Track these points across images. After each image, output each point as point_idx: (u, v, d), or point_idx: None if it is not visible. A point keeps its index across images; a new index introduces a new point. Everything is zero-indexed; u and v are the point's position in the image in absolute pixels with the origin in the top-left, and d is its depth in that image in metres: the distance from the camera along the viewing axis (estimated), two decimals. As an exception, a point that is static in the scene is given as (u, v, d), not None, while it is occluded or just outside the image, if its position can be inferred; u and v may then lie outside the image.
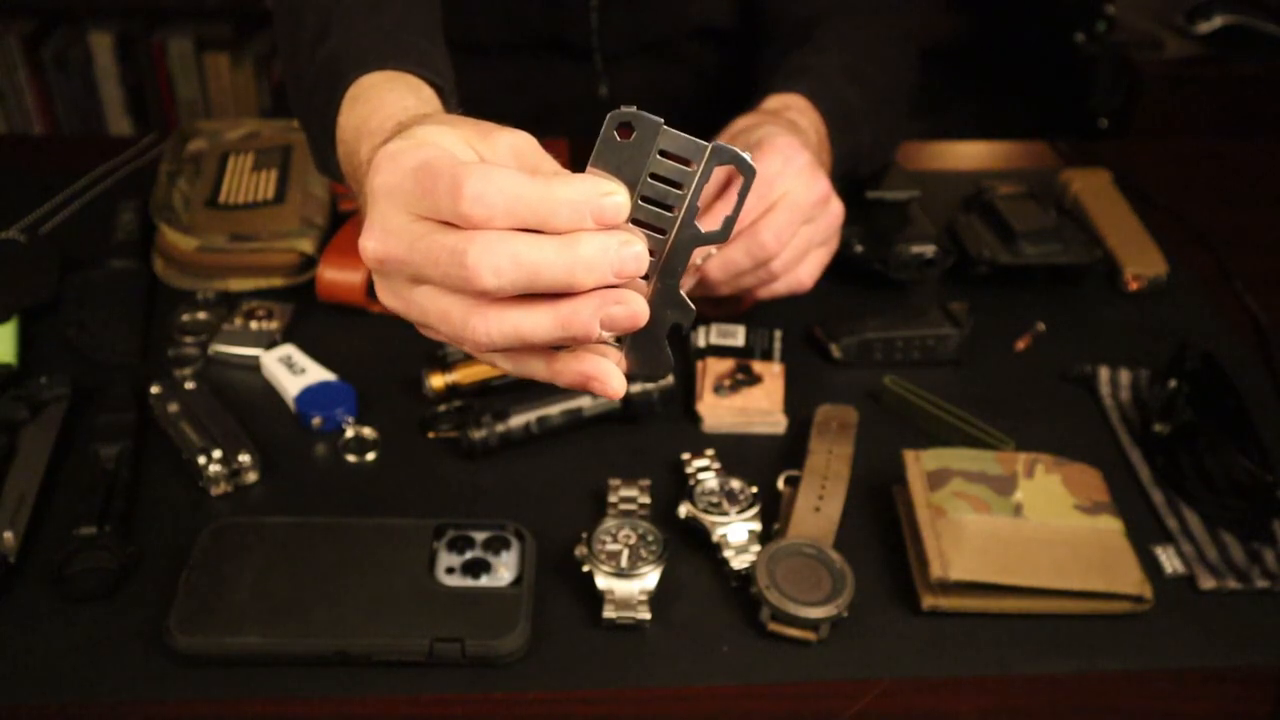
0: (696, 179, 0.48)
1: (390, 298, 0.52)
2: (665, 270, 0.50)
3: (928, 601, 0.67)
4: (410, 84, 0.67)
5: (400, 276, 0.51)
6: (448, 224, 0.49)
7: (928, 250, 0.91)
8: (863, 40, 0.95)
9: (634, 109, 0.48)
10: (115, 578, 0.66)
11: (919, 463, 0.72)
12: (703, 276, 0.81)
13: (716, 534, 0.69)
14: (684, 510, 0.71)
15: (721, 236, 0.49)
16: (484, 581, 0.66)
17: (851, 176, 0.94)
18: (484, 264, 0.47)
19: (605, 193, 0.47)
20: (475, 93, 0.85)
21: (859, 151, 0.91)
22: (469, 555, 0.67)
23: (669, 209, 0.48)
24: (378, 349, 0.87)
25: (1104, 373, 0.85)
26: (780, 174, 0.77)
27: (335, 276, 0.88)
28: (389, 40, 0.70)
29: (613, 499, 0.72)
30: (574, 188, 0.47)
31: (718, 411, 0.80)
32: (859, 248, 0.93)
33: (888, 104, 0.94)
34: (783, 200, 0.77)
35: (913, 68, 1.02)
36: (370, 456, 0.77)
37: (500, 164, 0.50)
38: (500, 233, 0.47)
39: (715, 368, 0.83)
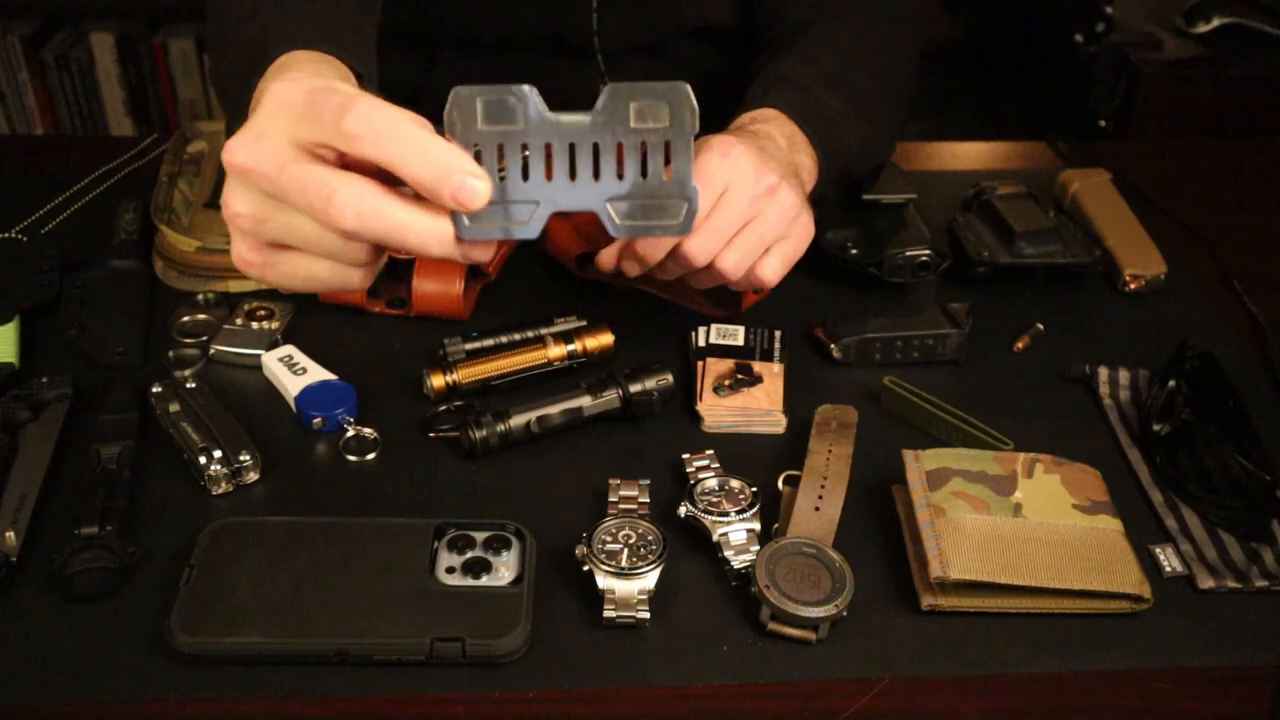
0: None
1: (239, 202, 0.54)
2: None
3: (927, 601, 0.67)
4: (339, 70, 0.67)
5: (257, 189, 0.53)
6: (318, 157, 0.52)
7: (922, 253, 0.91)
8: (848, 45, 0.95)
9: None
10: (116, 577, 0.66)
11: (919, 462, 0.72)
12: (659, 272, 0.79)
13: (716, 534, 0.70)
14: (684, 510, 0.71)
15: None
16: (484, 581, 0.66)
17: (844, 178, 0.94)
18: (349, 208, 0.51)
19: (472, 173, 0.51)
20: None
21: (846, 154, 0.90)
22: (469, 555, 0.67)
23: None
24: (378, 349, 0.87)
25: (1103, 373, 0.86)
26: (718, 169, 0.74)
27: (335, 277, 0.88)
28: (318, 23, 0.71)
29: (613, 499, 0.72)
30: (449, 153, 0.51)
31: (718, 411, 0.80)
32: (854, 251, 0.93)
33: (876, 106, 0.94)
34: (720, 201, 0.74)
35: (908, 70, 1.02)
36: (370, 456, 0.77)
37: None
38: (370, 183, 0.52)
39: (715, 368, 0.83)
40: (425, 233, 0.52)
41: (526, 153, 0.53)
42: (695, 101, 0.53)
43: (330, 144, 0.52)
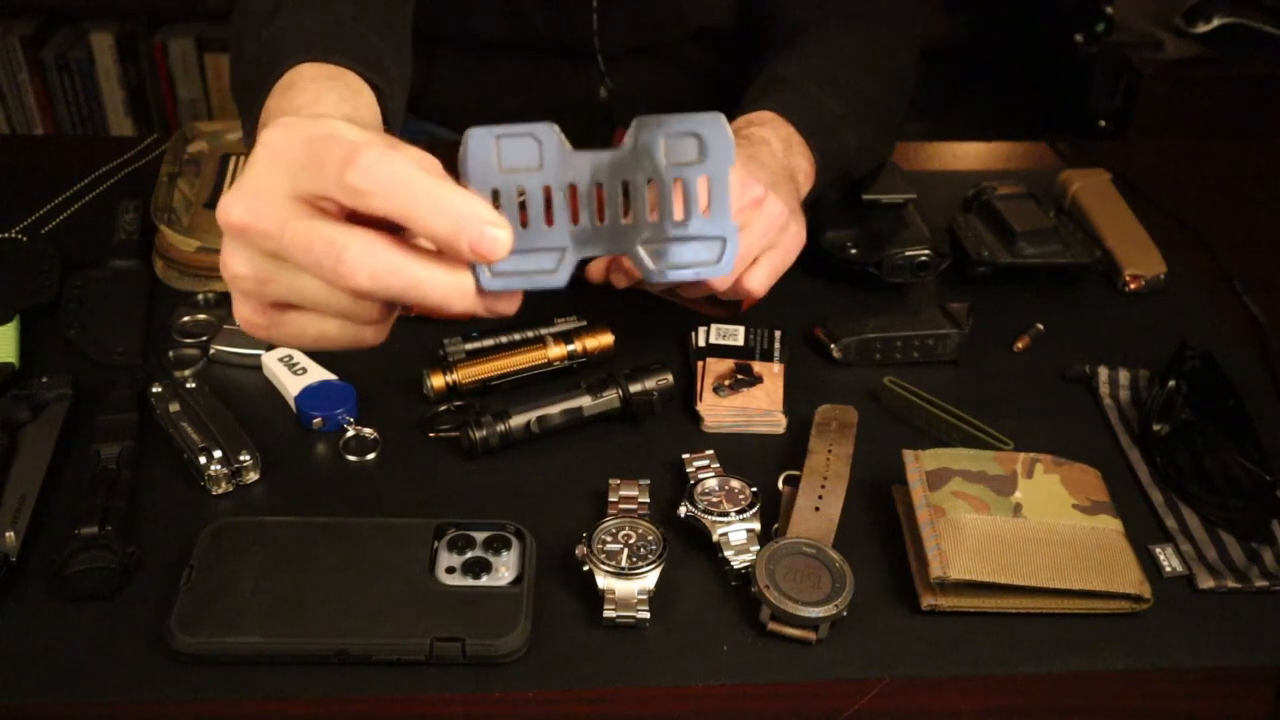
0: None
1: (239, 263, 0.50)
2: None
3: (927, 601, 0.67)
4: (351, 85, 0.65)
5: (257, 249, 0.49)
6: (321, 210, 0.48)
7: (922, 253, 0.91)
8: (846, 47, 0.95)
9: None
10: (116, 577, 0.66)
11: (919, 462, 0.72)
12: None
13: (716, 534, 0.70)
14: (684, 510, 0.71)
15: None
16: (484, 581, 0.66)
17: (843, 179, 0.94)
18: (361, 266, 0.47)
19: (491, 222, 0.47)
20: (476, 93, 0.85)
21: (845, 155, 0.90)
22: (469, 555, 0.67)
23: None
24: (378, 349, 0.87)
25: (1103, 373, 0.86)
26: None
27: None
28: (338, 31, 0.67)
29: (613, 499, 0.72)
30: (465, 202, 0.47)
31: (718, 411, 0.80)
32: (854, 250, 0.93)
33: (875, 107, 0.94)
34: None
35: (907, 70, 1.02)
36: (370, 456, 0.77)
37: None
38: (381, 238, 0.48)
39: (715, 368, 0.83)
40: (444, 288, 0.48)
41: (550, 195, 0.48)
42: (731, 132, 0.49)
43: (334, 198, 0.47)
